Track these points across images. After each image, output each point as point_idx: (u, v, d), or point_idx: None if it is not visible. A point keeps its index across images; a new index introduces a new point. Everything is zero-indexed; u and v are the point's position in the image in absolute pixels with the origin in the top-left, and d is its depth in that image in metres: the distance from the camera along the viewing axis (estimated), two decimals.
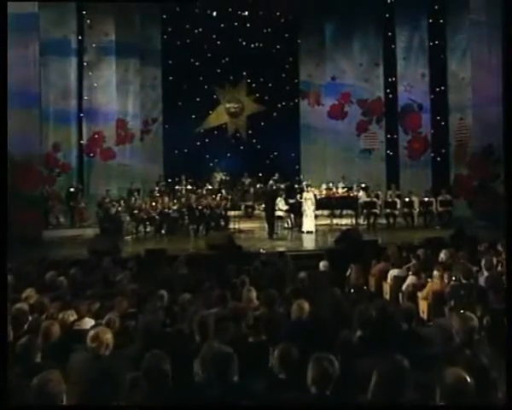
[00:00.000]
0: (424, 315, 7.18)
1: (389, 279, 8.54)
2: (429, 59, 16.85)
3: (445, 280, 7.13)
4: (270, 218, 12.99)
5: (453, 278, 6.32)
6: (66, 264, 8.89)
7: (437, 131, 16.84)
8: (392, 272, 8.56)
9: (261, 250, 10.89)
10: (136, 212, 13.98)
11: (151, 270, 8.31)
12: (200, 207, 13.96)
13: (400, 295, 7.94)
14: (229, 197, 15.64)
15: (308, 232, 13.49)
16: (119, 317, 4.76)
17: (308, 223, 13.62)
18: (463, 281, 6.34)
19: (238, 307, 4.87)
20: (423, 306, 7.30)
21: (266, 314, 4.20)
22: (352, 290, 7.13)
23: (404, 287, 7.99)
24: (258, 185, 17.41)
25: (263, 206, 13.84)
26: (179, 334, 3.98)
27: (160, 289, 6.66)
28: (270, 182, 15.74)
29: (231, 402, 3.01)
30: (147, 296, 6.39)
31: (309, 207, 13.69)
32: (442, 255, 8.60)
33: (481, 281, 6.96)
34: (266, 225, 13.15)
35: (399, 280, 8.28)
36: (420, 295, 7.40)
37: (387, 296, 8.41)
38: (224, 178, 17.97)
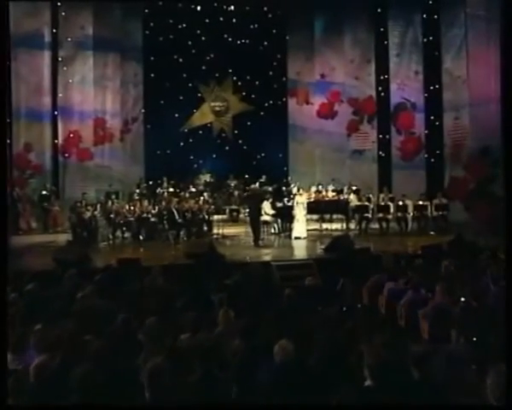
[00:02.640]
0: (425, 335, 6.46)
1: (385, 293, 7.80)
2: (423, 56, 16.27)
3: (449, 295, 6.44)
4: (256, 223, 12.13)
5: (462, 300, 5.52)
6: (28, 277, 7.98)
7: (431, 131, 16.26)
8: (388, 285, 7.83)
9: (247, 258, 10.13)
10: (113, 216, 13.09)
11: (120, 284, 7.44)
12: (181, 212, 13.09)
13: (398, 311, 7.22)
14: (211, 200, 14.87)
15: (296, 238, 12.68)
16: (62, 353, 3.88)
17: (299, 229, 12.82)
18: (473, 302, 5.59)
19: (208, 342, 4.01)
20: (424, 325, 6.56)
21: (241, 356, 3.33)
22: (345, 309, 6.28)
23: (402, 302, 7.26)
24: (245, 188, 16.67)
25: (247, 210, 12.98)
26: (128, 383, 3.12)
27: (127, 308, 5.88)
28: (254, 186, 14.80)
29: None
30: (108, 318, 5.55)
31: (300, 212, 12.91)
32: (443, 267, 7.93)
33: (489, 296, 6.32)
34: (251, 231, 12.28)
35: (396, 294, 7.57)
36: (420, 313, 6.64)
37: (383, 311, 7.71)
38: (208, 180, 17.36)
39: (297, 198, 13.24)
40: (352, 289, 7.56)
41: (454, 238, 10.36)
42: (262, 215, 12.58)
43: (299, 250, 11.77)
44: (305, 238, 12.75)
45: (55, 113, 15.63)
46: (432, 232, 13.35)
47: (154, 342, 4.56)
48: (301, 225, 12.89)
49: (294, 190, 14.53)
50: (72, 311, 6.14)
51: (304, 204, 13.11)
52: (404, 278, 7.88)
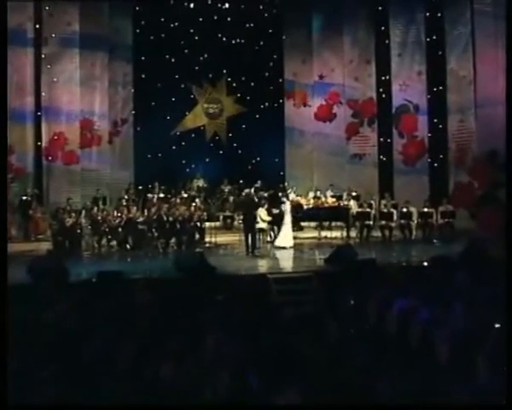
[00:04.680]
0: (443, 361, 5.73)
1: (394, 310, 7.08)
2: (426, 55, 15.81)
3: (468, 314, 5.75)
4: (251, 231, 11.34)
5: (496, 326, 4.81)
6: None
7: (435, 134, 15.81)
8: (397, 302, 7.12)
9: (241, 270, 9.42)
10: (98, 223, 12.31)
11: (99, 302, 6.65)
12: (171, 219, 12.33)
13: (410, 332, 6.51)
14: (204, 207, 14.17)
15: (280, 248, 11.92)
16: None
17: (283, 237, 12.06)
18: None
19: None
20: (442, 350, 5.83)
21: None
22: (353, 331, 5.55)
23: (414, 321, 6.54)
24: (240, 193, 16.05)
25: (241, 217, 12.24)
26: None
27: (103, 330, 5.12)
28: (247, 190, 14.02)
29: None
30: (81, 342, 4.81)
31: (285, 223, 12.22)
32: (458, 281, 7.24)
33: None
34: (245, 241, 11.49)
35: (407, 312, 6.86)
36: (437, 335, 5.91)
37: (393, 331, 7.00)
38: (201, 185, 16.83)
39: (282, 206, 12.56)
40: (356, 306, 6.84)
41: (466, 247, 9.65)
42: (257, 223, 11.84)
43: (298, 261, 11.05)
44: (290, 248, 11.98)
45: (39, 113, 15.01)
46: (434, 240, 12.71)
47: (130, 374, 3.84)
48: (286, 234, 12.13)
49: (291, 196, 13.81)
50: (39, 332, 5.39)
51: (287, 211, 12.38)
52: (414, 293, 7.22)
